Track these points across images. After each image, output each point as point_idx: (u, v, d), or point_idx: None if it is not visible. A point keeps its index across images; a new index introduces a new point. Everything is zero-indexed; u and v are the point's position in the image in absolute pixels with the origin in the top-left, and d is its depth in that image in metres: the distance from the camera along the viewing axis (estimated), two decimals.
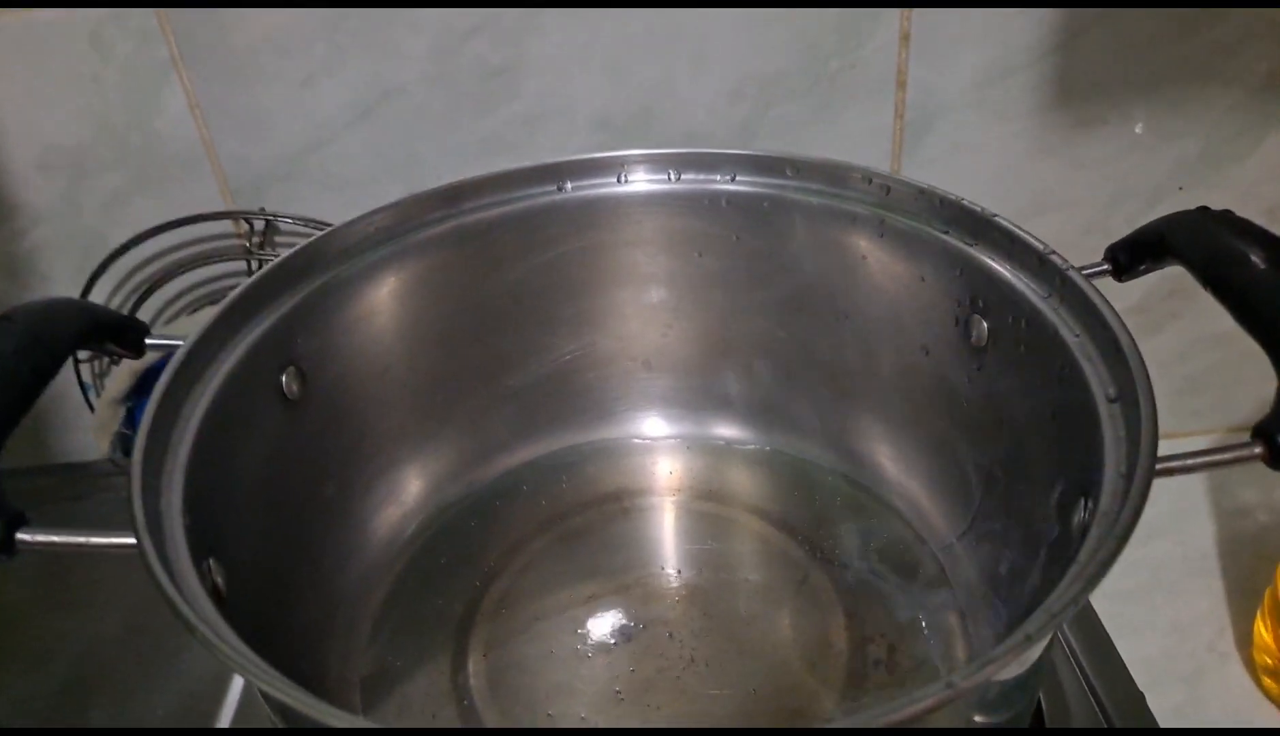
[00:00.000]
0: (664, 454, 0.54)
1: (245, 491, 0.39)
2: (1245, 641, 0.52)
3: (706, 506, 0.51)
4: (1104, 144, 0.58)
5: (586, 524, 0.51)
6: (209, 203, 0.59)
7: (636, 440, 0.55)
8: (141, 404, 0.44)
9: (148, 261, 0.62)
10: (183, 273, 0.61)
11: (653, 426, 0.55)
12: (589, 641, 0.45)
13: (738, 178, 0.48)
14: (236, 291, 0.41)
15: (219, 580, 0.33)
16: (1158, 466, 0.28)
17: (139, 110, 0.56)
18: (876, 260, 0.46)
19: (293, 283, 0.43)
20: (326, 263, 0.45)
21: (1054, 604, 0.24)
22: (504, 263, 0.49)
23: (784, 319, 0.50)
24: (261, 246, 0.60)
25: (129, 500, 0.31)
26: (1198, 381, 0.66)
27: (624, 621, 0.45)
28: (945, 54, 0.55)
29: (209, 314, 0.39)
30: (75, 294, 0.60)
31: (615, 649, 0.44)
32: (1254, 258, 0.34)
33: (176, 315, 0.64)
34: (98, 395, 0.63)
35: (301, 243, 0.44)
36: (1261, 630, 0.50)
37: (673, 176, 0.49)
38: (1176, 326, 0.64)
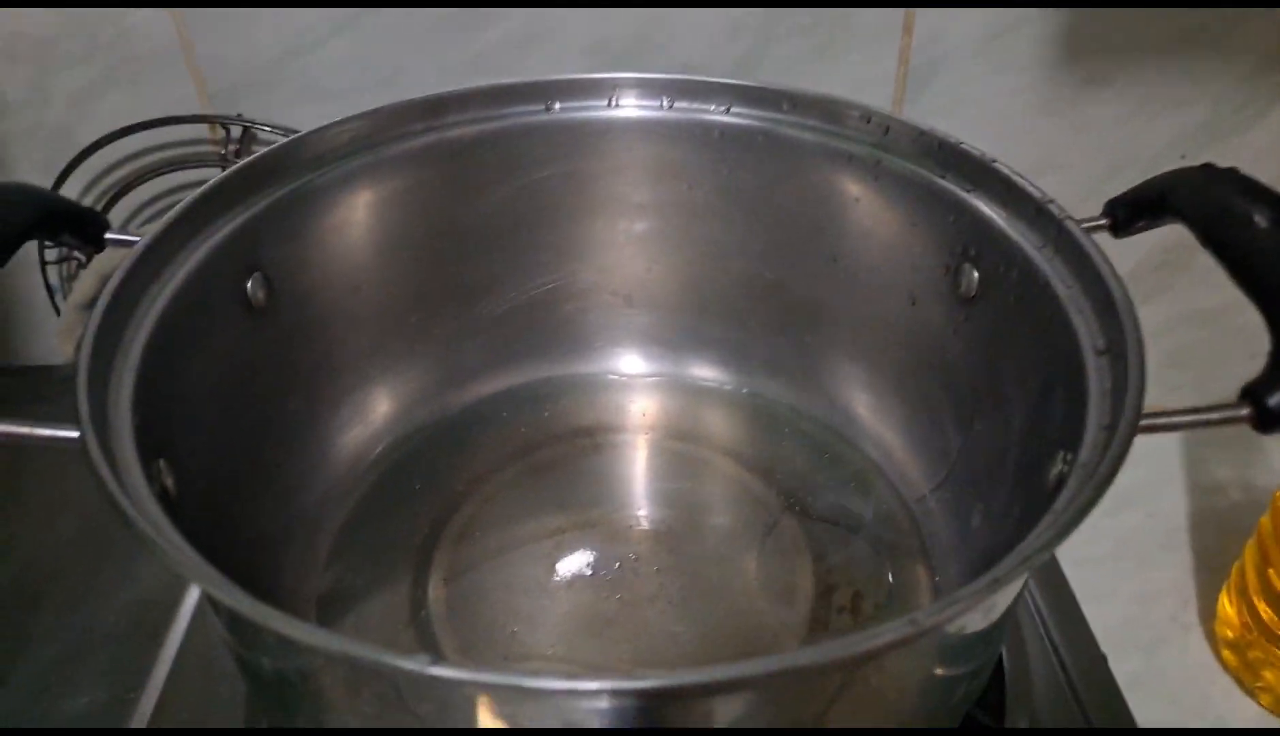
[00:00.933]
0: (640, 391, 0.54)
1: (203, 396, 0.38)
2: (1209, 614, 0.52)
3: (680, 446, 0.51)
4: (1108, 106, 0.57)
5: (557, 457, 0.50)
6: (185, 105, 0.57)
7: (613, 376, 0.54)
8: None
9: (119, 163, 0.60)
10: (155, 177, 0.59)
11: (630, 363, 0.54)
12: (553, 574, 0.44)
13: (733, 109, 0.46)
14: (201, 189, 0.39)
15: (169, 482, 0.32)
16: (1142, 422, 0.27)
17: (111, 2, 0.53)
18: (869, 203, 0.45)
19: (261, 185, 0.42)
20: (298, 168, 0.43)
21: (1026, 548, 0.24)
22: (485, 183, 0.48)
23: (770, 259, 0.49)
24: (238, 154, 0.58)
25: (75, 391, 0.29)
26: (1181, 356, 0.65)
27: (590, 556, 0.45)
28: None
29: (170, 210, 0.38)
30: None
31: (579, 582, 0.44)
32: (1257, 218, 0.33)
33: (148, 221, 0.62)
34: (65, 299, 0.61)
35: (271, 146, 0.42)
36: (1225, 604, 0.50)
37: (665, 103, 0.47)
38: (1164, 299, 0.63)
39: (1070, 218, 0.36)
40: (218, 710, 0.42)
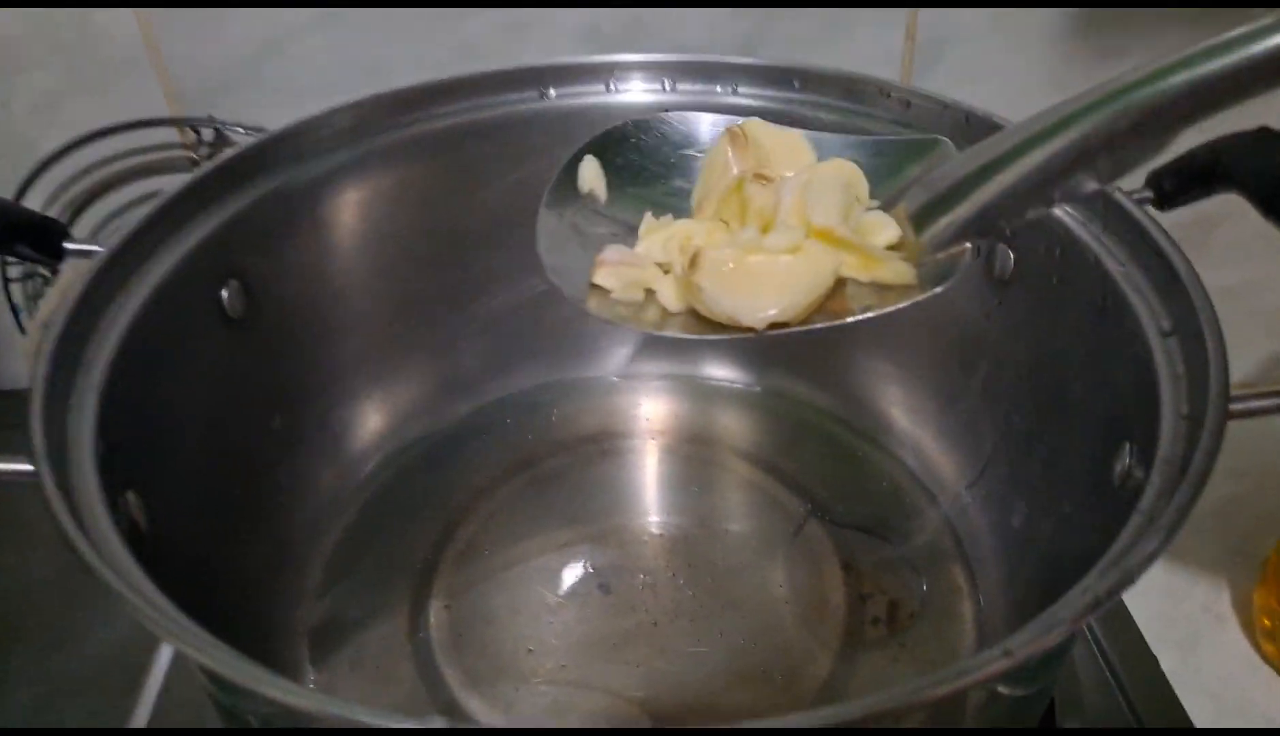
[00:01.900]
0: (648, 393, 0.52)
1: (176, 418, 0.36)
2: (1243, 604, 0.50)
3: (693, 450, 0.49)
4: None
5: (561, 467, 0.48)
6: (152, 109, 0.55)
7: (618, 378, 0.52)
8: None
9: (84, 172, 0.57)
10: (122, 185, 0.57)
11: (636, 363, 0.52)
12: (561, 592, 0.42)
13: (739, 89, 0.45)
14: (170, 192, 0.37)
15: (139, 516, 0.30)
16: (1234, 406, 0.24)
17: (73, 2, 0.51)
18: None
19: (236, 187, 0.40)
20: (276, 167, 0.41)
21: (1127, 560, 0.21)
22: (477, 176, 0.46)
23: None
24: (210, 158, 0.55)
25: (27, 421, 0.26)
26: None
27: (600, 572, 0.43)
28: None
29: (138, 215, 0.35)
30: None
31: (589, 601, 0.42)
32: None
33: (116, 232, 0.59)
34: (32, 318, 0.59)
35: (247, 142, 0.39)
36: (1262, 592, 0.48)
37: (668, 86, 0.45)
38: None
39: (1120, 189, 0.33)
40: None
